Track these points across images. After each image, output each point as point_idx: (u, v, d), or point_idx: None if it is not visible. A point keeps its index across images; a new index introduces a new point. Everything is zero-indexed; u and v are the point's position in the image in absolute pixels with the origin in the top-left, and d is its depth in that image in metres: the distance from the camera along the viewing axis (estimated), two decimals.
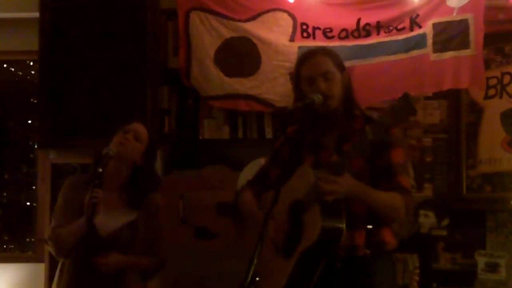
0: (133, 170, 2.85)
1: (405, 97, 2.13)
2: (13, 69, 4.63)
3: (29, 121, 4.65)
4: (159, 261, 2.90)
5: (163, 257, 2.92)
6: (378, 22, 3.70)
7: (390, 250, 2.49)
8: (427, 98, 3.93)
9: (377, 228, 2.43)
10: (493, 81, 3.82)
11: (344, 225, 2.26)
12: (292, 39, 3.79)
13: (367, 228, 2.41)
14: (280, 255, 2.42)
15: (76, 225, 2.70)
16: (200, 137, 3.96)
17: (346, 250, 2.37)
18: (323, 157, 2.44)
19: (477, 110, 3.88)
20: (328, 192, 2.23)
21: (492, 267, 3.78)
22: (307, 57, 2.56)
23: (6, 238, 4.58)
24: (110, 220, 2.77)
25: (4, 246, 4.56)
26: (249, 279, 2.04)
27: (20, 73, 4.66)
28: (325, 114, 2.46)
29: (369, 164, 2.38)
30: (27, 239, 4.50)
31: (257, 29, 3.82)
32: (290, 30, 3.79)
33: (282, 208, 2.43)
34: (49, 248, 2.90)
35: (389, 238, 2.47)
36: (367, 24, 3.71)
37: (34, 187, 4.45)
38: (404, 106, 2.11)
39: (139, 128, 2.87)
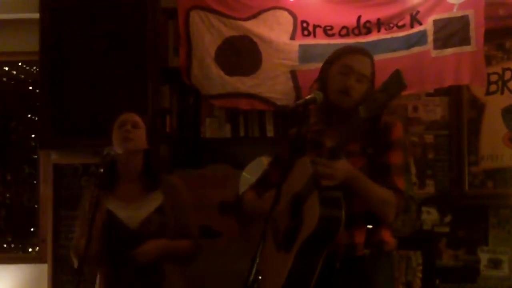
0: (144, 155, 2.87)
1: (396, 72, 2.14)
2: (14, 70, 4.63)
3: (31, 122, 4.64)
4: (196, 243, 2.90)
5: (197, 238, 2.91)
6: (378, 19, 3.70)
7: (389, 250, 2.50)
8: (428, 94, 3.93)
9: (376, 228, 2.44)
10: (494, 77, 3.82)
11: (343, 213, 2.25)
12: (292, 37, 3.79)
13: (367, 228, 2.42)
14: (281, 250, 2.43)
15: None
16: (202, 136, 3.96)
17: (345, 249, 2.38)
18: (324, 153, 2.44)
19: (478, 106, 3.88)
20: (325, 176, 2.24)
21: (495, 263, 3.78)
22: (357, 51, 2.55)
23: (9, 239, 4.58)
24: (137, 211, 2.79)
25: (7, 247, 4.56)
26: (251, 277, 2.04)
27: (21, 74, 4.66)
28: (337, 110, 2.46)
29: (370, 163, 2.39)
30: (30, 240, 4.50)
31: (257, 27, 3.82)
32: (291, 28, 3.79)
33: (281, 204, 2.43)
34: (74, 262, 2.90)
35: (388, 237, 2.48)
36: (368, 21, 3.71)
37: (36, 188, 4.45)
38: (395, 82, 2.12)
39: (132, 116, 2.87)
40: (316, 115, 2.57)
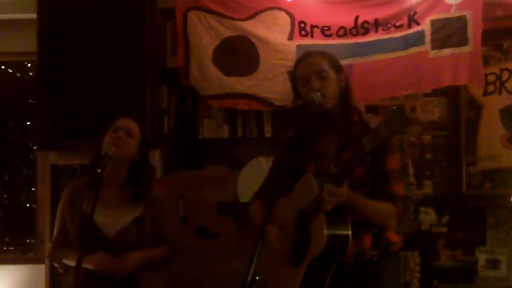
0: (131, 166, 2.82)
1: (400, 109, 2.13)
2: (11, 71, 4.62)
3: (29, 122, 4.64)
4: (171, 250, 2.86)
5: (172, 245, 2.89)
6: (376, 20, 3.70)
7: (397, 250, 2.52)
8: (426, 95, 3.93)
9: (382, 230, 2.46)
10: (492, 78, 3.82)
11: (350, 232, 2.28)
12: (290, 38, 3.78)
13: (373, 231, 2.44)
14: (290, 264, 2.43)
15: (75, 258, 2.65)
16: (200, 137, 3.96)
17: (355, 255, 2.40)
18: (324, 164, 2.46)
19: (476, 107, 3.89)
20: (328, 203, 2.24)
21: (493, 264, 3.78)
22: (302, 58, 2.59)
23: (7, 239, 4.58)
24: (115, 220, 2.75)
25: (5, 248, 4.55)
26: (249, 278, 2.04)
27: (19, 74, 4.65)
28: (320, 114, 2.45)
29: (368, 171, 2.40)
30: (28, 241, 4.49)
31: (255, 28, 3.82)
32: (288, 28, 3.79)
33: (288, 217, 2.45)
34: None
35: (394, 237, 2.50)
36: (365, 21, 3.71)
37: (34, 189, 4.45)
38: (399, 118, 2.10)
39: (129, 123, 2.83)
40: (300, 125, 2.56)
